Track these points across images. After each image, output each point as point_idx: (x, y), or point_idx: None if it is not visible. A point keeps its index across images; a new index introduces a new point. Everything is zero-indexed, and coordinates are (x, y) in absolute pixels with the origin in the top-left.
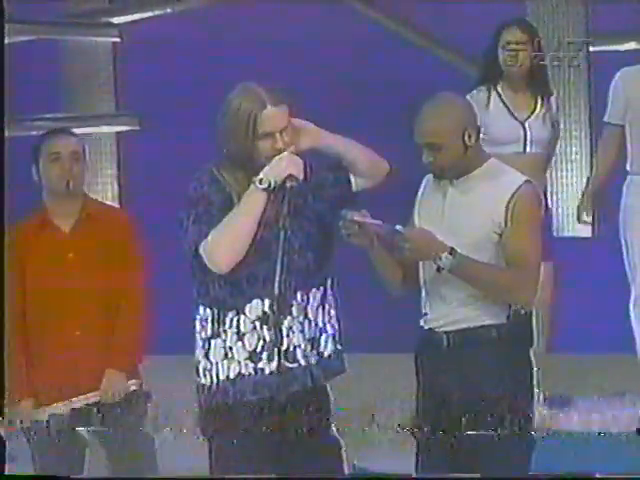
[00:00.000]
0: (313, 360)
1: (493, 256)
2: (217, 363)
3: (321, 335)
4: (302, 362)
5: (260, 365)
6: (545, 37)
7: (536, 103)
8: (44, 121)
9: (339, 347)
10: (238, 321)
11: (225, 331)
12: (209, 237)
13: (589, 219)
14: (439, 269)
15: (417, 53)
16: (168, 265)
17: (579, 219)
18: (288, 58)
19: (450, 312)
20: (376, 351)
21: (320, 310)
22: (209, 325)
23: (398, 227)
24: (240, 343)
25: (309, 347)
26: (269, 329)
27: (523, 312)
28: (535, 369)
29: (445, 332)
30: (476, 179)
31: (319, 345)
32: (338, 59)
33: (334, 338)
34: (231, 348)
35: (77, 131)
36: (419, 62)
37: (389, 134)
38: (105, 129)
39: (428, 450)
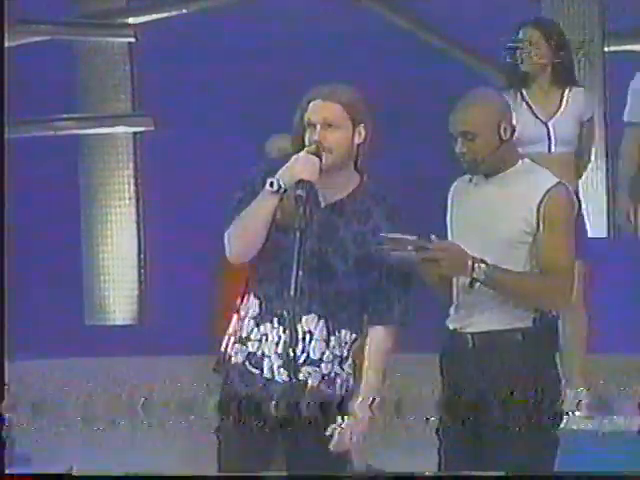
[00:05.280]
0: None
1: (524, 256)
2: (231, 355)
3: (304, 362)
4: (276, 375)
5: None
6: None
7: (561, 101)
8: (59, 122)
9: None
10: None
11: (242, 327)
12: (230, 227)
13: (635, 219)
14: (472, 283)
15: (432, 54)
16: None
17: (628, 219)
18: (302, 57)
19: (476, 314)
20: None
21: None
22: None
23: (433, 237)
24: (242, 342)
25: (287, 364)
26: (285, 330)
27: (550, 316)
28: (561, 372)
29: (470, 333)
30: (511, 177)
31: (297, 369)
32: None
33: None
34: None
35: (92, 132)
36: (433, 63)
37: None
38: (121, 129)
39: (451, 449)
